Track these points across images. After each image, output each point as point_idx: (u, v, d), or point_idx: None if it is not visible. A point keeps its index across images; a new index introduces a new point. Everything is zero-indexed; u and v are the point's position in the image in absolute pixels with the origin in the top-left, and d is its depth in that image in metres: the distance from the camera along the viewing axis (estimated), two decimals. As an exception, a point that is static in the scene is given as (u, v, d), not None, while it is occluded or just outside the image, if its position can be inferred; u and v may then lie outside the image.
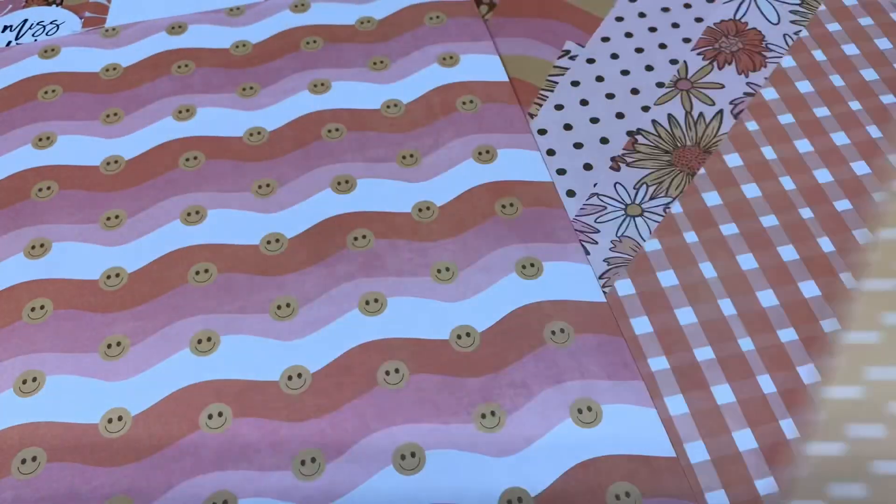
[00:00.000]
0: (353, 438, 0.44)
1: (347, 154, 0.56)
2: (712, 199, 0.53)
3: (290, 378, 0.46)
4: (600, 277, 0.50)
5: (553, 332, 0.47)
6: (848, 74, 0.59)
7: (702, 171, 0.54)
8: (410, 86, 0.60)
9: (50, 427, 0.45)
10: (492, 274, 0.50)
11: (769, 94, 0.58)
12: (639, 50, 0.62)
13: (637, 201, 0.53)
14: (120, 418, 0.45)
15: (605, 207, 0.53)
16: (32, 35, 0.65)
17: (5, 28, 0.65)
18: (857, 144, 0.55)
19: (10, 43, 0.64)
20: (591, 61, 0.61)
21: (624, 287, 0.49)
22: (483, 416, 0.45)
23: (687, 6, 0.63)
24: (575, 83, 0.60)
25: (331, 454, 0.43)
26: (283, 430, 0.44)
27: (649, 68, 0.60)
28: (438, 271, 0.50)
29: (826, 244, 0.51)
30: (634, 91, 0.59)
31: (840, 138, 0.56)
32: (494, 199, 0.54)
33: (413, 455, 0.43)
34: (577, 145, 0.56)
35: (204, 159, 0.56)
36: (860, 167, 0.54)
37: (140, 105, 0.59)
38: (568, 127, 0.57)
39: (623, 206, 0.53)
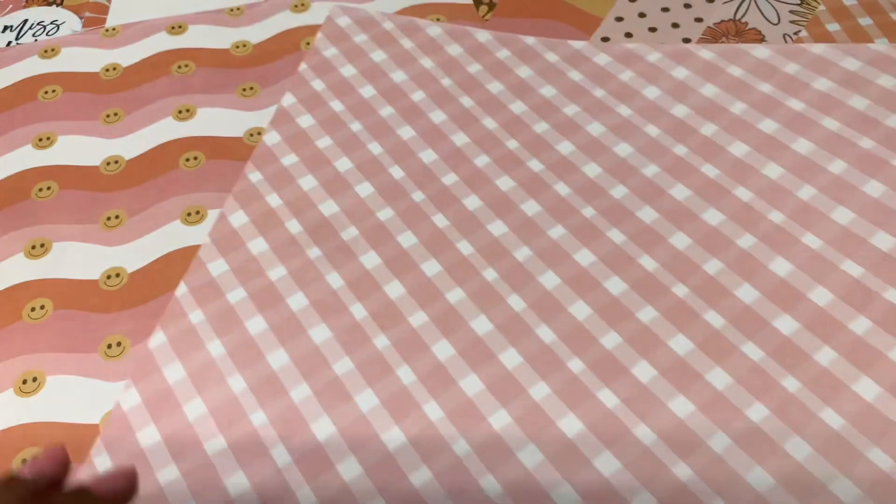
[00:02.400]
0: None
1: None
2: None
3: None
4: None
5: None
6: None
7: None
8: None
9: (50, 427, 0.45)
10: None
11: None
12: (639, 50, 0.62)
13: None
14: (120, 418, 0.45)
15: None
16: (33, 35, 0.65)
17: (5, 28, 0.65)
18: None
19: (10, 43, 0.64)
20: (591, 62, 0.61)
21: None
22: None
23: (687, 6, 0.63)
24: (575, 84, 0.60)
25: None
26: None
27: (649, 69, 0.60)
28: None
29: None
30: (634, 92, 0.59)
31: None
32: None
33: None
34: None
35: (204, 159, 0.56)
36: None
37: (140, 105, 0.59)
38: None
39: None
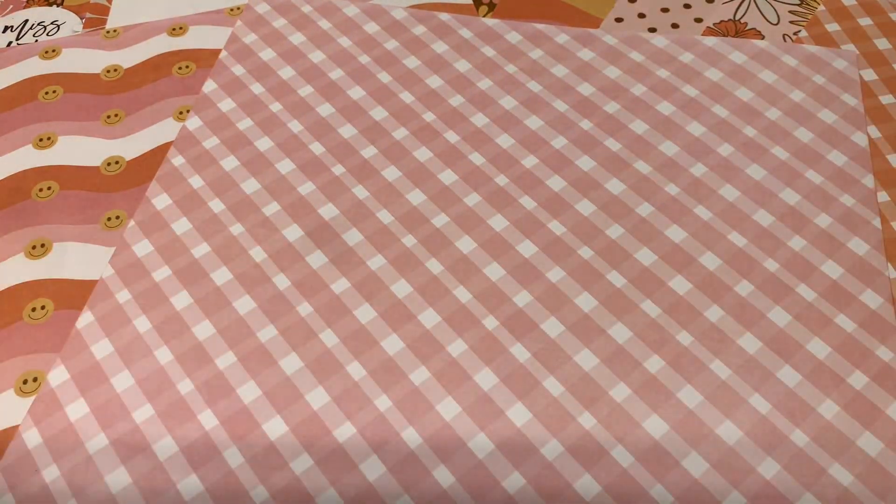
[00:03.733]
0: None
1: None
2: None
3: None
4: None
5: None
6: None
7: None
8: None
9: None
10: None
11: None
12: (637, 50, 0.52)
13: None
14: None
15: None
16: (33, 35, 0.56)
17: (6, 28, 0.57)
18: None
19: (10, 43, 0.56)
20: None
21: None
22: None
23: (687, 6, 0.53)
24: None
25: None
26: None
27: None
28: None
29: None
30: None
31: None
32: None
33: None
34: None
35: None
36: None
37: (141, 106, 0.51)
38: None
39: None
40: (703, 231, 0.39)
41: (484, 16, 0.52)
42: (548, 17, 0.52)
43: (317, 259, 0.39)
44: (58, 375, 0.37)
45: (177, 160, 0.45)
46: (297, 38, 0.51)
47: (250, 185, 0.43)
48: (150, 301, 0.38)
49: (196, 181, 0.43)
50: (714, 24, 0.51)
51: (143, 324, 0.38)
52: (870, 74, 0.47)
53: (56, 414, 0.35)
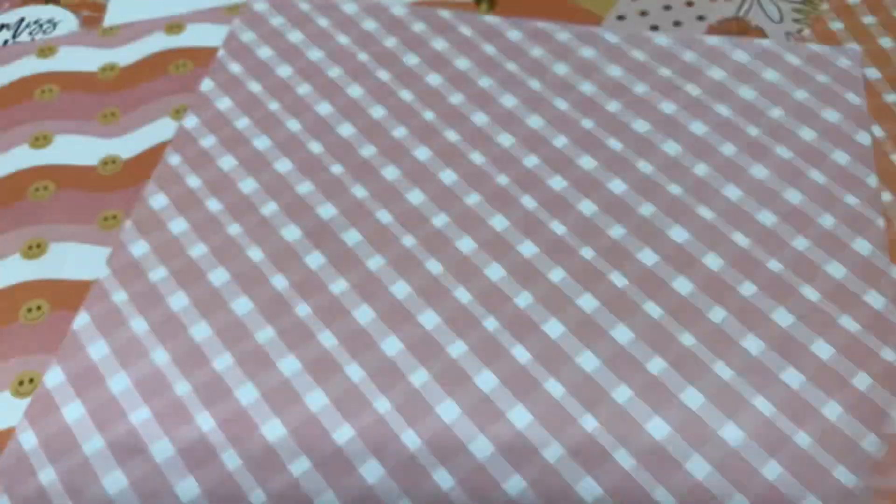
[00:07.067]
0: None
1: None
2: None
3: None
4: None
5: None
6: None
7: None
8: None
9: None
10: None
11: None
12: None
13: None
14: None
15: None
16: (29, 34, 0.56)
17: (2, 27, 0.57)
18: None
19: (6, 42, 0.56)
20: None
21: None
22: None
23: (689, 4, 0.52)
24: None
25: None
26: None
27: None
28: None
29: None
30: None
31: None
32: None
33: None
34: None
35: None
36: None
37: (137, 105, 0.50)
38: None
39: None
40: (706, 231, 0.39)
41: (484, 13, 0.52)
42: (548, 15, 0.52)
43: (315, 259, 0.39)
44: (53, 377, 0.37)
45: (174, 159, 0.45)
46: (295, 36, 0.50)
47: (248, 185, 0.43)
48: (146, 302, 0.38)
49: (193, 180, 0.43)
50: (717, 22, 0.51)
51: (139, 325, 0.37)
52: (873, 73, 0.47)
53: (52, 416, 0.35)
